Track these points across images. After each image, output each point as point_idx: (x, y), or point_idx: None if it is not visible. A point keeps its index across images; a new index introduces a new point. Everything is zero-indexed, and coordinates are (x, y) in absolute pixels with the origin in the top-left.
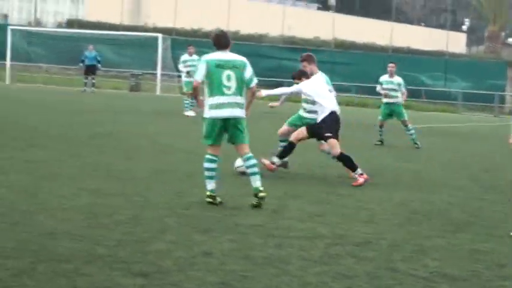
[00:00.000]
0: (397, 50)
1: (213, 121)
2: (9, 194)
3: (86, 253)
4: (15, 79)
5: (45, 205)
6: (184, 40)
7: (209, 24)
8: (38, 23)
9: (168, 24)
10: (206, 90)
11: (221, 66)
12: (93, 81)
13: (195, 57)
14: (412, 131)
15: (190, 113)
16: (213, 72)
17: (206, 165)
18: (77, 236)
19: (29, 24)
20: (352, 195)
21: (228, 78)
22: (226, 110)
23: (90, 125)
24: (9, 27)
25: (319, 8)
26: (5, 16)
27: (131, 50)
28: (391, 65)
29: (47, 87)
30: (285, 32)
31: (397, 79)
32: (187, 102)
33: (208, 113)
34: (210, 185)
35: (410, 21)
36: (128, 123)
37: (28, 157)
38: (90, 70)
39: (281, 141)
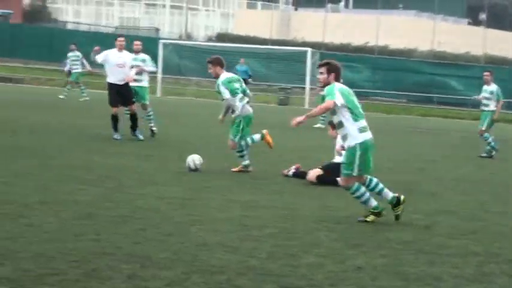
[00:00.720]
0: None
1: (369, 144)
2: (162, 205)
3: (238, 265)
4: (166, 92)
5: (198, 217)
6: (333, 54)
7: (358, 38)
8: (189, 37)
9: (317, 38)
10: (347, 117)
11: (351, 94)
12: None
13: None
14: (489, 140)
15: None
16: (349, 99)
17: (358, 193)
18: (229, 247)
19: (180, 38)
20: (507, 212)
21: (358, 103)
22: (370, 132)
23: None
24: (161, 41)
25: (469, 23)
26: (157, 30)
27: (280, 64)
28: (486, 73)
29: (197, 100)
30: (435, 47)
31: (492, 87)
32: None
33: (361, 136)
34: (372, 203)
35: None
36: (277, 136)
37: (179, 169)
38: None
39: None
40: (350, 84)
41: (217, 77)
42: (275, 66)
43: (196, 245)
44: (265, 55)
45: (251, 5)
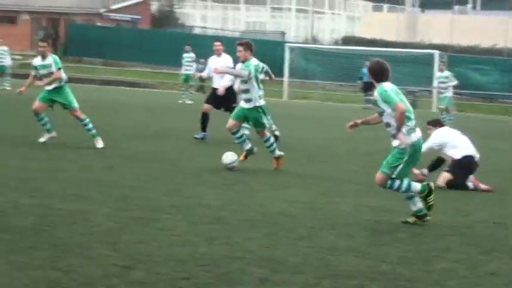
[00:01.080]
0: None
1: (420, 144)
2: (292, 209)
3: (369, 270)
4: (292, 95)
5: (328, 220)
6: (460, 57)
7: (487, 40)
8: (315, 40)
9: (444, 40)
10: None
11: (399, 93)
12: (370, 97)
13: (445, 73)
14: None
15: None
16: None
17: (395, 187)
18: (360, 252)
19: (306, 42)
20: None
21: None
22: (419, 130)
23: (371, 142)
24: (287, 45)
25: None
26: (283, 33)
27: (407, 66)
28: None
29: (322, 104)
30: None
31: None
32: (444, 117)
33: (410, 138)
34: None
35: None
36: None
37: (308, 173)
38: (368, 87)
39: (233, 133)
40: (478, 86)
41: (245, 61)
42: (401, 69)
43: (326, 249)
44: (392, 58)
45: (377, 8)
